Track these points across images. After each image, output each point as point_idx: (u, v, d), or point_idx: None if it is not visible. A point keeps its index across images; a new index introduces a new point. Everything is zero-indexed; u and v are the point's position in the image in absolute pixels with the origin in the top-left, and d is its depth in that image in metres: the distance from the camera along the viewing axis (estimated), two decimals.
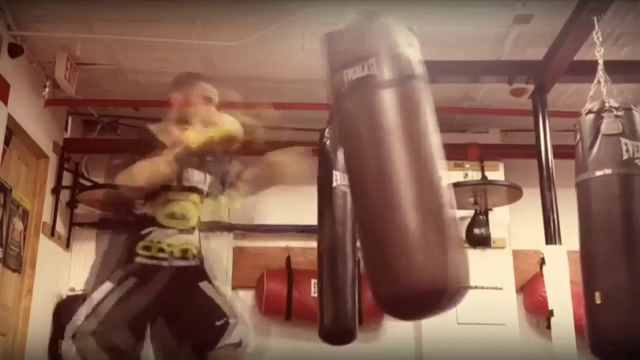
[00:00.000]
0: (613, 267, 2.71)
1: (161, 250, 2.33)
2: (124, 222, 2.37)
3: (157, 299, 2.29)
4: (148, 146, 2.35)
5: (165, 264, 2.34)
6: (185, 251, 2.39)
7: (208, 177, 2.47)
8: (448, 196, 1.92)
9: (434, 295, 1.88)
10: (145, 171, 2.26)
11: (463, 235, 1.94)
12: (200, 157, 2.39)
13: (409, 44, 2.10)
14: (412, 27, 2.18)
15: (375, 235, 1.92)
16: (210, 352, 2.35)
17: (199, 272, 2.46)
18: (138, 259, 2.32)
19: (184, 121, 2.46)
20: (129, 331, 2.25)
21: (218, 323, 2.40)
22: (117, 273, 2.32)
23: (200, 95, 2.48)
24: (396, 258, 1.85)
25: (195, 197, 2.41)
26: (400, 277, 1.84)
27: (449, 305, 1.96)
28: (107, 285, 2.28)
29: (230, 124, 2.32)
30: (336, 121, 2.16)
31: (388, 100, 2.00)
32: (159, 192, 2.35)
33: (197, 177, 2.42)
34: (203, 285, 2.45)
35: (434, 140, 1.98)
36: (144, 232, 2.33)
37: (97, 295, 2.27)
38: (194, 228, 2.44)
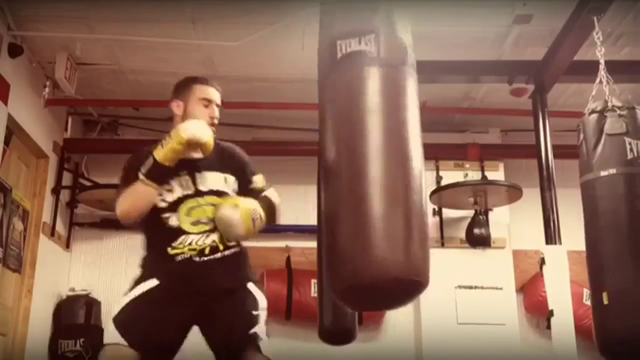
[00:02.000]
0: (620, 267, 2.71)
1: (191, 249, 2.32)
2: (151, 236, 2.38)
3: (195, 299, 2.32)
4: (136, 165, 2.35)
5: (197, 259, 2.33)
6: (212, 249, 2.36)
7: (229, 177, 2.42)
8: (419, 189, 1.90)
9: (392, 287, 1.89)
10: (128, 203, 2.30)
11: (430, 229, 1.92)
12: (186, 164, 2.35)
13: (406, 30, 2.09)
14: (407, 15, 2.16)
15: (339, 223, 1.91)
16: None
17: (238, 264, 2.46)
18: (173, 256, 2.31)
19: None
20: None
21: (255, 312, 2.50)
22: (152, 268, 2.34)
23: (197, 98, 2.42)
24: (357, 249, 1.84)
25: (215, 199, 2.36)
26: (360, 268, 1.83)
27: (405, 299, 1.99)
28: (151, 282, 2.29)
29: (188, 129, 2.25)
30: (319, 94, 2.12)
31: (375, 80, 1.98)
32: (179, 202, 2.33)
33: (211, 179, 2.38)
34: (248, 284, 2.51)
35: (413, 129, 1.95)
36: (174, 243, 2.32)
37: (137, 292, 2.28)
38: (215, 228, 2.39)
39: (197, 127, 2.27)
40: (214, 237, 2.34)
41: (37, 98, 4.49)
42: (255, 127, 5.14)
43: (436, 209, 5.02)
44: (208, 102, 2.42)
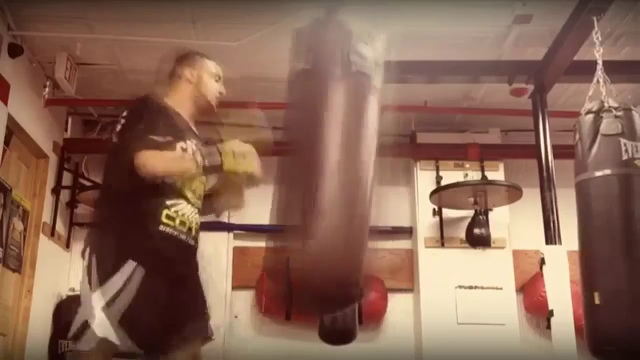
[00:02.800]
0: (612, 267, 2.71)
1: (183, 223, 2.29)
2: (144, 186, 2.22)
3: (175, 279, 2.28)
4: (157, 119, 2.29)
5: (183, 238, 2.30)
6: (196, 231, 2.37)
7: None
8: (367, 202, 1.97)
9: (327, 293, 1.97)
10: (169, 165, 2.22)
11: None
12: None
13: (364, 42, 2.13)
14: (375, 26, 2.21)
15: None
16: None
17: (196, 256, 2.45)
18: (162, 228, 2.25)
19: (195, 100, 2.49)
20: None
21: (207, 311, 2.41)
22: (136, 247, 2.22)
23: (211, 73, 2.53)
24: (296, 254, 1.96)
25: (203, 177, 2.39)
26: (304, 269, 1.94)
27: (338, 306, 2.12)
28: (130, 267, 2.17)
29: (258, 164, 2.32)
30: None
31: (328, 95, 2.05)
32: None
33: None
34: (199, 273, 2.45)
35: (368, 138, 2.03)
36: (170, 202, 2.27)
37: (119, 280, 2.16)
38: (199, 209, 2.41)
39: (260, 167, 2.32)
40: (198, 218, 2.37)
41: (37, 98, 4.49)
42: (255, 127, 5.13)
43: (436, 209, 5.02)
44: (218, 77, 2.55)
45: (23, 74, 4.23)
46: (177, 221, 2.27)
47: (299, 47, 2.16)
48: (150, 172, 2.17)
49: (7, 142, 4.09)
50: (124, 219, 2.25)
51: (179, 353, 2.29)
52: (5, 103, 3.99)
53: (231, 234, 5.12)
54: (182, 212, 2.29)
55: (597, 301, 2.69)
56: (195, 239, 2.37)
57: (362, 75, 2.06)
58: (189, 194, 2.32)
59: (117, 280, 2.15)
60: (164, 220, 2.25)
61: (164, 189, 2.25)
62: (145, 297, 2.15)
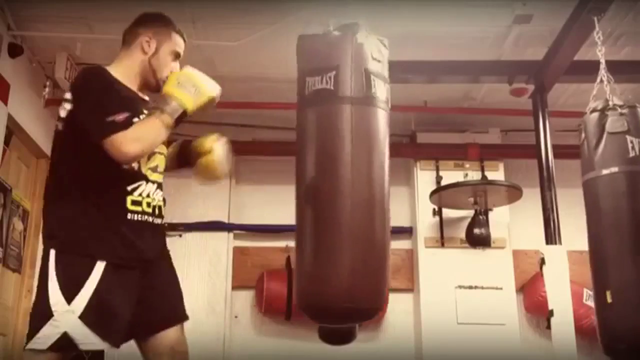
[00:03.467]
0: (623, 265, 2.71)
1: (148, 204, 2.11)
2: (101, 176, 2.05)
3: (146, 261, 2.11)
4: (108, 94, 2.06)
5: (151, 220, 2.12)
6: (160, 208, 2.18)
7: None
8: (381, 227, 2.02)
9: (342, 311, 2.07)
10: (149, 137, 2.01)
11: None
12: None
13: (378, 59, 2.17)
14: (384, 40, 2.23)
15: (306, 245, 2.12)
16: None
17: (164, 234, 2.29)
18: (130, 216, 2.06)
19: (144, 73, 2.24)
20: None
21: (180, 290, 2.24)
22: (105, 242, 2.03)
23: (171, 48, 2.27)
24: (315, 272, 2.05)
25: (163, 148, 2.21)
26: (315, 291, 2.09)
27: (357, 320, 2.17)
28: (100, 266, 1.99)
29: (214, 87, 2.10)
30: (297, 122, 2.23)
31: (341, 117, 2.10)
32: None
33: None
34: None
35: (378, 162, 2.09)
36: (132, 186, 2.07)
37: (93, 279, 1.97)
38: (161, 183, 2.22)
39: (216, 86, 2.12)
40: (161, 194, 2.18)
41: (37, 98, 4.49)
42: (255, 127, 5.13)
43: (436, 209, 5.02)
44: (177, 56, 2.28)
45: (23, 74, 4.23)
46: (144, 204, 2.10)
47: (313, 63, 2.15)
48: (132, 155, 1.99)
49: (7, 142, 4.09)
50: (86, 214, 2.04)
51: (157, 338, 2.12)
52: (5, 103, 3.99)
53: (231, 234, 5.12)
54: (145, 193, 2.11)
55: (609, 300, 2.69)
56: (161, 216, 2.19)
57: (372, 96, 2.10)
58: (148, 172, 2.13)
59: (81, 277, 1.98)
60: (131, 207, 2.07)
61: (122, 174, 2.06)
62: (114, 291, 2.00)
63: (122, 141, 1.96)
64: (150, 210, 2.13)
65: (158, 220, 2.18)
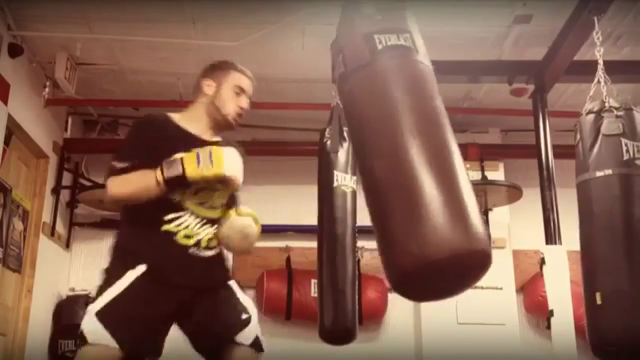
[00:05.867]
0: (614, 267, 2.71)
1: (187, 236, 2.20)
2: (139, 207, 2.18)
3: (185, 291, 2.21)
4: (142, 140, 2.22)
5: (191, 251, 2.21)
6: (211, 240, 2.26)
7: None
8: (462, 169, 1.84)
9: (454, 264, 1.74)
10: (130, 189, 2.13)
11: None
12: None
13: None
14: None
15: (389, 206, 1.78)
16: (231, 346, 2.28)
17: (222, 263, 2.39)
18: (164, 228, 2.17)
19: (210, 115, 2.35)
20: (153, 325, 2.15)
21: (244, 317, 2.34)
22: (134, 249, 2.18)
23: (232, 84, 2.35)
24: (411, 230, 1.71)
25: (220, 186, 2.26)
26: (416, 247, 1.69)
27: (471, 277, 1.87)
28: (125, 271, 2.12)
29: (231, 166, 2.16)
30: (358, 81, 2.00)
31: (417, 73, 2.01)
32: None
33: None
34: (230, 282, 2.42)
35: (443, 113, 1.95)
36: (168, 217, 2.17)
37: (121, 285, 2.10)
38: (219, 218, 2.30)
39: (238, 168, 2.19)
40: (211, 230, 2.25)
41: (37, 98, 4.49)
42: (255, 127, 5.13)
43: None
44: (241, 90, 2.37)
45: (23, 74, 4.23)
46: (181, 234, 2.19)
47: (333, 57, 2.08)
48: (112, 198, 2.15)
49: (7, 142, 4.09)
50: (128, 225, 2.26)
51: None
52: (5, 103, 3.99)
53: None
54: (185, 224, 2.19)
55: (598, 301, 2.69)
56: (211, 249, 2.27)
57: (399, 48, 1.99)
58: (192, 207, 2.21)
59: (111, 284, 2.11)
60: (164, 228, 2.18)
61: (159, 205, 2.16)
62: (137, 301, 2.09)
63: (110, 184, 2.14)
64: (189, 241, 2.20)
65: (202, 253, 2.24)
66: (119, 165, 2.15)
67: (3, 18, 3.93)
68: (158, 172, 2.09)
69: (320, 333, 3.75)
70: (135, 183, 2.13)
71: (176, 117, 2.33)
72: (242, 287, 5.19)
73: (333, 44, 2.10)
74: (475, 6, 3.75)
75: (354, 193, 3.50)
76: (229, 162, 2.15)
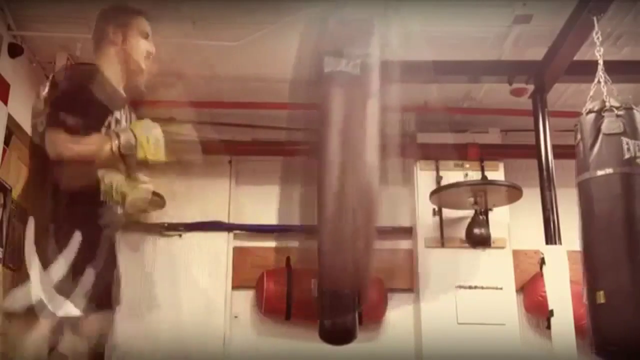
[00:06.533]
0: (615, 266, 2.72)
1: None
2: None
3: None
4: (79, 95, 2.25)
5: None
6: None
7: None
8: (374, 205, 2.00)
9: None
10: (82, 149, 2.17)
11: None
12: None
13: (393, 46, 2.17)
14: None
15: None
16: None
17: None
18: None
19: (122, 63, 2.38)
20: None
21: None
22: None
23: (140, 31, 2.39)
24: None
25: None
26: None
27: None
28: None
29: (166, 152, 2.25)
30: (309, 92, 2.20)
31: (369, 104, 2.10)
32: None
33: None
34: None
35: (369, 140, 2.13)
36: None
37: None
38: None
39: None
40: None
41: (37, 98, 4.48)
42: (254, 127, 5.13)
43: (436, 209, 5.02)
44: (146, 35, 2.41)
45: (23, 74, 4.23)
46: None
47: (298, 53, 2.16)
48: (60, 156, 2.15)
49: (7, 142, 4.09)
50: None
51: (91, 319, 2.29)
52: (5, 103, 3.99)
53: (231, 234, 5.11)
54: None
55: (599, 301, 2.69)
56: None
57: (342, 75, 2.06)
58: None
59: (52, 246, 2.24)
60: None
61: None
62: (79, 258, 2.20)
63: (60, 141, 2.14)
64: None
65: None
66: (70, 121, 2.16)
67: (3, 18, 3.92)
68: (114, 143, 2.17)
69: (320, 333, 3.75)
70: (88, 146, 2.17)
71: (102, 68, 2.33)
72: (242, 287, 5.17)
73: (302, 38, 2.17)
74: (475, 6, 3.75)
75: None
76: (165, 148, 2.25)
